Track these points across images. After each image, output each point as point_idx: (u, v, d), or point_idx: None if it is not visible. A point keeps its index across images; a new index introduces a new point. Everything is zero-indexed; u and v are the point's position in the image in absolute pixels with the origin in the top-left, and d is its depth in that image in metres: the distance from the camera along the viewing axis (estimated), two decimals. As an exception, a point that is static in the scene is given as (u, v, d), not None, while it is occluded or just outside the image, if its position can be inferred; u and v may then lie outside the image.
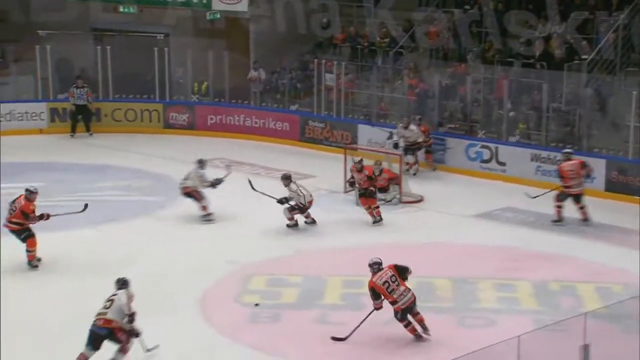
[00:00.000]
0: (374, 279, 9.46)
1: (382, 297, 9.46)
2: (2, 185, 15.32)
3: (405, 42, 18.75)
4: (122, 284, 9.08)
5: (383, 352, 9.44)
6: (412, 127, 16.33)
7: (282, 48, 20.10)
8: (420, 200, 14.97)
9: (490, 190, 15.59)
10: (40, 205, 11.69)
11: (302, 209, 13.16)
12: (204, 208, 13.57)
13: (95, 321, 8.77)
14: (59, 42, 19.76)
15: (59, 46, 19.77)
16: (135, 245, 12.36)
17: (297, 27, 20.06)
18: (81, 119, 19.29)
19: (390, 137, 17.21)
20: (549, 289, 11.09)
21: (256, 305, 10.52)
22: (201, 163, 13.76)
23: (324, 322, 10.16)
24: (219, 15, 20.07)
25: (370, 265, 9.58)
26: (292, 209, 13.13)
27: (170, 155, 17.71)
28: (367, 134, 17.89)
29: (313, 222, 13.35)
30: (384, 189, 14.44)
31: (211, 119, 19.91)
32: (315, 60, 19.18)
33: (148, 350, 9.07)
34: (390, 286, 9.38)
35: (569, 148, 14.62)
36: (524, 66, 16.87)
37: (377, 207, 13.70)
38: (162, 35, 20.21)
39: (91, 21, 21.24)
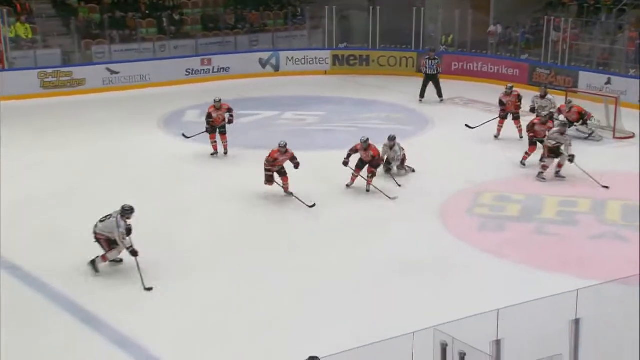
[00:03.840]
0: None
1: None
2: (293, 112, 16.17)
3: (630, -1, 17.00)
4: (124, 211, 8.25)
5: (587, 260, 8.85)
6: (549, 96, 13.35)
7: (518, 7, 19.14)
8: (632, 136, 13.67)
9: None
10: (318, 130, 12.06)
11: None
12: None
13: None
14: (342, 2, 20.21)
15: (341, 6, 20.23)
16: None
17: (532, -12, 18.91)
18: (433, 86, 16.82)
19: (608, 82, 15.85)
20: None
21: None
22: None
23: (541, 233, 9.76)
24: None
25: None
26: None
27: (419, 94, 17.59)
28: (586, 79, 16.58)
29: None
30: (572, 123, 13.14)
31: (455, 65, 19.45)
32: (546, 17, 18.02)
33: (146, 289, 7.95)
34: None
35: None
36: None
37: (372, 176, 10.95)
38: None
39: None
